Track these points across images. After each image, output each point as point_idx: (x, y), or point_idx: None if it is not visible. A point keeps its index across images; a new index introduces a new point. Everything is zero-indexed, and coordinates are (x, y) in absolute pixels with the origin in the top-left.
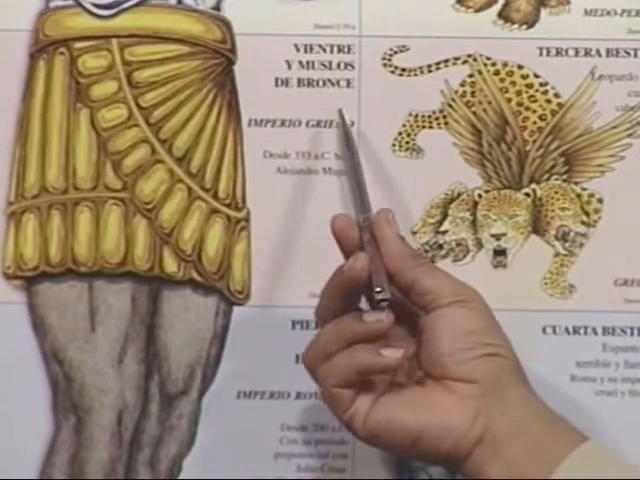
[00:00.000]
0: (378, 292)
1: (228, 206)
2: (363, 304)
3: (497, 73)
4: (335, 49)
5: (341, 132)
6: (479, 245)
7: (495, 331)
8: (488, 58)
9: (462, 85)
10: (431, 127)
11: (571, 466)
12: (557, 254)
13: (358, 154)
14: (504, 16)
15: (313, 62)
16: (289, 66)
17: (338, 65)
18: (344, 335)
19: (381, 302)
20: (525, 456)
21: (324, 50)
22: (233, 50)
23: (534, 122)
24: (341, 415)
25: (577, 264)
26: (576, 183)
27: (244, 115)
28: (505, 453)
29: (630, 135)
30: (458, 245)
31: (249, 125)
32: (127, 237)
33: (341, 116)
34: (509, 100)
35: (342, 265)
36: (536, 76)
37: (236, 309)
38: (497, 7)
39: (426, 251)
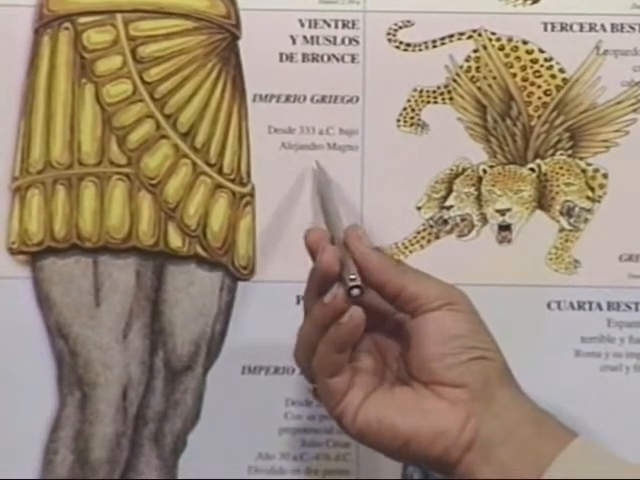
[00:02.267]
0: (351, 279)
1: (233, 181)
2: None
3: (502, 48)
4: (340, 24)
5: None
6: (484, 220)
7: (482, 333)
8: (493, 33)
9: (467, 60)
10: (436, 102)
11: (560, 466)
12: (562, 229)
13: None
14: None
15: (318, 37)
16: (293, 41)
17: (343, 40)
18: (316, 323)
19: (353, 289)
20: (516, 458)
21: (328, 25)
22: (237, 25)
23: (539, 97)
24: (333, 409)
25: (582, 239)
26: (581, 158)
27: (249, 90)
28: (496, 456)
29: (635, 110)
30: (463, 220)
31: (254, 100)
32: (132, 212)
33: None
34: (514, 75)
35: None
36: (541, 51)
37: (241, 284)
38: None
39: (431, 226)
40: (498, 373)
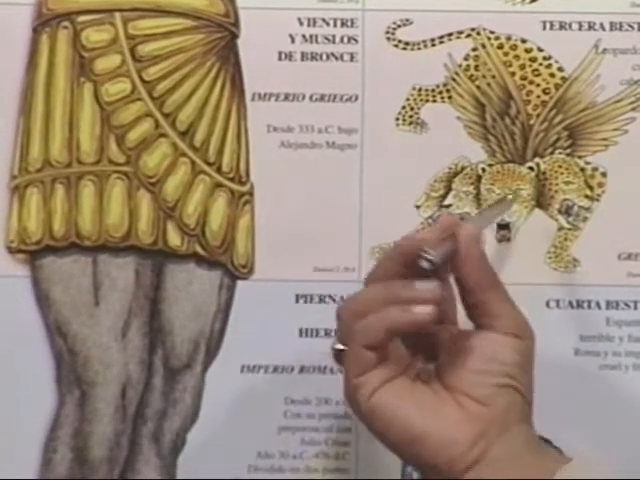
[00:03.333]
0: (428, 252)
1: (232, 180)
2: None
3: (501, 47)
4: (339, 23)
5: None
6: None
7: (527, 372)
8: (492, 32)
9: (466, 59)
10: (435, 101)
11: (569, 470)
12: (561, 228)
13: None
14: None
15: (317, 36)
16: (292, 40)
17: (342, 39)
18: (390, 297)
19: (424, 260)
20: (520, 475)
21: (327, 24)
22: (236, 24)
23: (538, 96)
24: (352, 378)
25: (581, 238)
26: (580, 157)
27: (247, 89)
28: (499, 475)
29: (634, 109)
30: (462, 219)
31: (253, 99)
32: (131, 211)
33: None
34: (513, 74)
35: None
36: (540, 50)
37: (240, 283)
38: None
39: (429, 225)
40: (521, 409)
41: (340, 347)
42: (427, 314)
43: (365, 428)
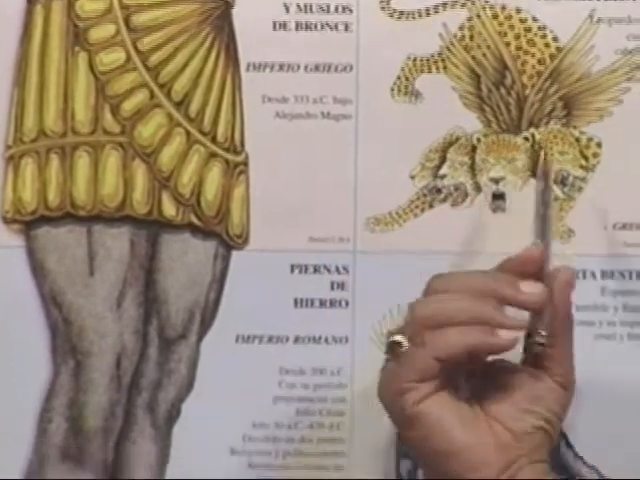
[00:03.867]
0: (541, 335)
1: (227, 150)
2: None
3: (495, 17)
4: None
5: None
6: (478, 189)
7: (561, 422)
8: (486, 1)
9: (461, 29)
10: (430, 71)
11: None
12: (556, 198)
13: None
14: None
15: (311, 5)
16: (287, 10)
17: (336, 8)
18: (477, 317)
19: (535, 345)
20: None
21: None
22: None
23: (533, 66)
24: (404, 380)
25: (576, 208)
26: (575, 127)
27: (242, 59)
28: None
29: (629, 79)
30: (457, 189)
31: (247, 69)
32: (126, 181)
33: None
34: (508, 44)
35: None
36: (534, 20)
37: (235, 253)
38: None
39: (424, 195)
40: (547, 452)
41: (401, 340)
42: (513, 341)
43: (360, 397)
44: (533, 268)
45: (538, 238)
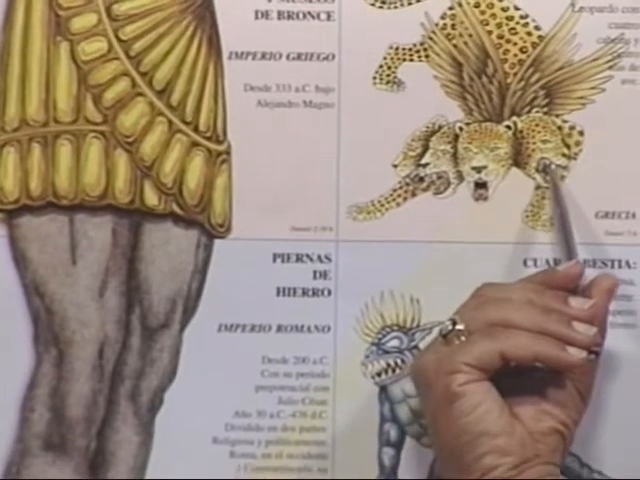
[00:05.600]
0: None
1: (209, 139)
2: None
3: (477, 5)
4: None
5: (551, 188)
6: (460, 178)
7: (575, 429)
8: None
9: (442, 18)
10: (412, 60)
11: None
12: (538, 187)
13: (566, 205)
14: None
15: None
16: None
17: None
18: (548, 330)
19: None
20: None
21: None
22: None
23: (515, 55)
24: (459, 362)
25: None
26: (557, 115)
27: (224, 48)
28: None
29: (611, 67)
30: (439, 178)
31: (229, 58)
32: (108, 170)
33: (552, 173)
34: (490, 32)
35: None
36: (516, 8)
37: (217, 242)
38: None
39: (407, 184)
40: (562, 457)
41: (462, 328)
42: (580, 359)
43: (342, 386)
44: (574, 284)
45: (566, 254)
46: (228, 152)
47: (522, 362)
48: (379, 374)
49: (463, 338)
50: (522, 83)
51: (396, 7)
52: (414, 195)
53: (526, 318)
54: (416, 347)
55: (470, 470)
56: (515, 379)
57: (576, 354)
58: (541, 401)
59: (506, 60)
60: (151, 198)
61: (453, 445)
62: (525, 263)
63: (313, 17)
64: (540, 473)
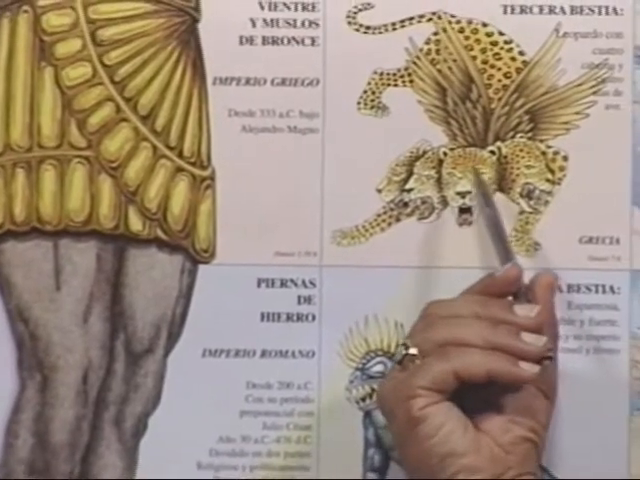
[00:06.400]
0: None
1: (193, 164)
2: None
3: (462, 31)
4: (299, 7)
5: (478, 191)
6: (444, 203)
7: (545, 432)
8: (453, 16)
9: (427, 43)
10: (396, 85)
11: None
12: (522, 212)
13: (496, 208)
14: None
15: (277, 20)
16: (253, 24)
17: (303, 23)
18: (497, 344)
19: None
20: None
21: (288, 8)
22: (197, 8)
23: (499, 80)
24: (416, 386)
25: (542, 222)
26: (541, 141)
27: (209, 73)
28: None
29: (595, 93)
30: (423, 203)
31: (214, 83)
32: (92, 195)
33: (477, 175)
34: (474, 58)
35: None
36: (501, 34)
37: (201, 267)
38: None
39: (391, 209)
40: (535, 465)
41: (416, 353)
42: (533, 374)
43: (327, 412)
44: (515, 288)
45: (502, 257)
46: (212, 177)
47: (476, 381)
48: (363, 399)
49: (418, 362)
50: (506, 108)
51: (380, 32)
52: (398, 220)
53: (475, 334)
54: None
55: None
56: (478, 392)
57: (528, 369)
58: (506, 411)
59: (490, 85)
60: (135, 223)
61: (424, 468)
62: None
63: (297, 42)
64: None
